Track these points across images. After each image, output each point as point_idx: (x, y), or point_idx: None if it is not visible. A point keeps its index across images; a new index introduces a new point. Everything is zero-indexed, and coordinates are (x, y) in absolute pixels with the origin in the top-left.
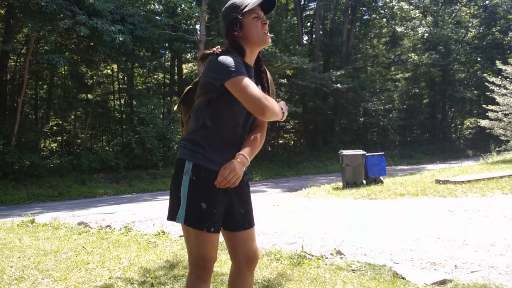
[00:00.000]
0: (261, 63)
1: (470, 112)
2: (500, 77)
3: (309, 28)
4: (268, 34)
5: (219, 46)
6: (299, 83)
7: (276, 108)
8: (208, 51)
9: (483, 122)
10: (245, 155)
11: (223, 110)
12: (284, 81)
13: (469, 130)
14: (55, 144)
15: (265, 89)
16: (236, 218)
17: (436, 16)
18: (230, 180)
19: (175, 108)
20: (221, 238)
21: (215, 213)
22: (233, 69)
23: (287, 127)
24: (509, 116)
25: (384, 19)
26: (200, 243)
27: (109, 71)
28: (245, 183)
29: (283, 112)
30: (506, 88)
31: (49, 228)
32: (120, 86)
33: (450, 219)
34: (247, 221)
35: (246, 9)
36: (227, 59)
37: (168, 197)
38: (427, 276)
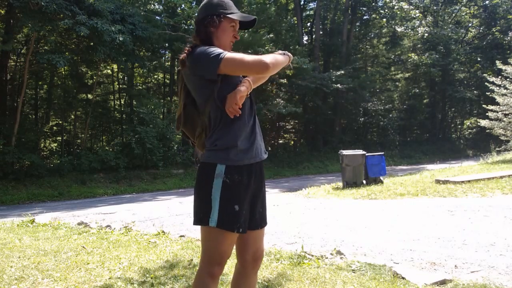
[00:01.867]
0: None
1: (470, 112)
2: (500, 77)
3: (309, 28)
4: (231, 48)
5: (187, 46)
6: (299, 83)
7: (277, 57)
8: (183, 55)
9: (483, 122)
10: (250, 80)
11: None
12: (284, 81)
13: (469, 130)
14: (55, 144)
15: None
16: (256, 216)
17: (436, 16)
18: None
19: (177, 130)
20: None
21: (243, 214)
22: (217, 52)
23: (287, 127)
24: (509, 116)
25: (384, 19)
26: (223, 242)
27: (109, 71)
28: (264, 183)
29: (286, 54)
30: (506, 88)
31: (49, 228)
32: (120, 86)
33: (450, 219)
34: (264, 220)
35: (231, 16)
36: (203, 49)
37: (169, 197)
38: (427, 276)
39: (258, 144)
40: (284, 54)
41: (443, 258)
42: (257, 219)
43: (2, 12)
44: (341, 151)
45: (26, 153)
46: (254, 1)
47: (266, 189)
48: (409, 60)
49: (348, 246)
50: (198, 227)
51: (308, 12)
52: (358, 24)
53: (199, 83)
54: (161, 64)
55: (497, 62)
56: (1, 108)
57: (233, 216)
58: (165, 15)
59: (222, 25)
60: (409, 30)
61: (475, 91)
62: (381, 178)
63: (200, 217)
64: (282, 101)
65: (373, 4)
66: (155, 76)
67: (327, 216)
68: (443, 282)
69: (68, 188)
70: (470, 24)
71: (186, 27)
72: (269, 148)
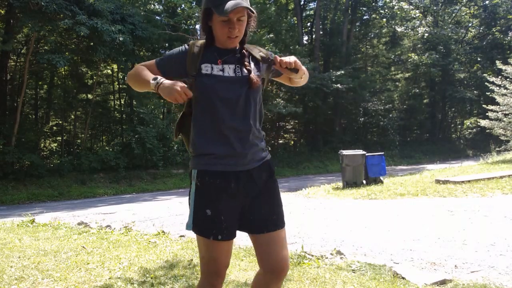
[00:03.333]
0: (243, 47)
1: (470, 112)
2: (500, 77)
3: (309, 28)
4: (235, 37)
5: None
6: None
7: (139, 71)
8: None
9: (483, 122)
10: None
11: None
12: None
13: (469, 130)
14: (55, 144)
15: (249, 72)
16: (257, 218)
17: (436, 16)
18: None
19: (175, 138)
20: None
21: (222, 220)
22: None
23: (287, 127)
24: (509, 116)
25: (384, 19)
26: (210, 250)
27: (109, 71)
28: (270, 179)
29: (156, 80)
30: (506, 88)
31: (49, 228)
32: (120, 86)
33: (450, 219)
34: (272, 222)
35: (216, 13)
36: (168, 52)
37: (169, 197)
38: (427, 276)
39: (245, 151)
40: (154, 79)
41: (443, 258)
42: (260, 221)
43: (2, 12)
44: (341, 151)
45: (26, 153)
46: (254, 1)
47: None
48: (409, 60)
49: (348, 246)
50: None
51: (308, 12)
52: (358, 24)
53: None
54: None
55: (497, 62)
56: (1, 108)
57: (205, 221)
58: (165, 15)
59: (213, 20)
60: (409, 30)
61: (475, 91)
62: (381, 178)
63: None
64: (282, 101)
65: (373, 4)
66: None
67: (327, 216)
68: (443, 282)
69: (68, 188)
70: (470, 24)
71: (186, 27)
72: (269, 148)
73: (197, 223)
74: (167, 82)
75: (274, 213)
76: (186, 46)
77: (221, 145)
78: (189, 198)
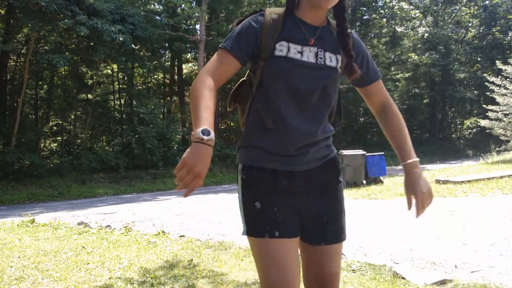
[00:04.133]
0: (345, 25)
1: (470, 112)
2: (500, 77)
3: None
4: None
5: None
6: None
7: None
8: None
9: (483, 122)
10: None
11: None
12: None
13: (469, 130)
14: (55, 144)
15: (351, 57)
16: (315, 226)
17: (436, 16)
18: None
19: (229, 108)
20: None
21: (275, 212)
22: (224, 41)
23: None
24: (509, 116)
25: (384, 19)
26: (268, 253)
27: (109, 71)
28: (335, 180)
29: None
30: (506, 88)
31: (49, 228)
32: (120, 86)
33: (450, 219)
34: (332, 233)
35: None
36: (237, 28)
37: (169, 197)
38: (427, 276)
39: (303, 151)
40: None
41: (443, 258)
42: (314, 230)
43: (2, 12)
44: (341, 151)
45: (26, 153)
46: (254, 1)
47: None
48: (409, 60)
49: (348, 246)
50: (198, 227)
51: None
52: (358, 24)
53: None
54: (161, 64)
55: (497, 62)
56: (1, 108)
57: (256, 217)
58: (165, 15)
59: None
60: (409, 30)
61: (475, 91)
62: (381, 178)
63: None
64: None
65: (373, 4)
66: (155, 76)
67: None
68: (443, 282)
69: (68, 188)
70: (470, 24)
71: (186, 27)
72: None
73: (248, 222)
74: (202, 149)
75: (336, 222)
76: (260, 17)
77: (277, 143)
78: (238, 199)
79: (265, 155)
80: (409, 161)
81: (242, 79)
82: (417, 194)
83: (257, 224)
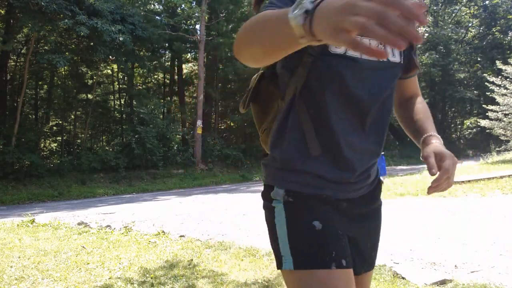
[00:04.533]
0: None
1: (470, 112)
2: (500, 77)
3: None
4: None
5: None
6: None
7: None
8: None
9: (483, 122)
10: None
11: None
12: None
13: (469, 130)
14: (55, 144)
15: (412, 48)
16: (359, 253)
17: (436, 16)
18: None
19: (243, 110)
20: None
21: (339, 235)
22: None
23: None
24: (509, 116)
25: None
26: None
27: (109, 71)
28: (379, 201)
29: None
30: (506, 88)
31: (49, 228)
32: (120, 86)
33: (450, 219)
34: (369, 260)
35: None
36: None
37: (169, 197)
38: (427, 276)
39: (365, 175)
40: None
41: (443, 258)
42: (360, 260)
43: (2, 12)
44: None
45: (26, 153)
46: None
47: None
48: None
49: None
50: (198, 227)
51: None
52: None
53: None
54: (161, 64)
55: (497, 62)
56: (1, 108)
57: (316, 241)
58: (165, 15)
59: None
60: None
61: (475, 91)
62: (381, 178)
63: (276, 261)
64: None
65: None
66: (155, 76)
67: None
68: (443, 282)
69: (68, 188)
70: (470, 24)
71: (186, 27)
72: None
73: (301, 250)
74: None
75: (374, 249)
76: None
77: (333, 168)
78: (272, 229)
79: (317, 180)
80: (434, 133)
81: (261, 71)
82: (445, 165)
83: (318, 251)
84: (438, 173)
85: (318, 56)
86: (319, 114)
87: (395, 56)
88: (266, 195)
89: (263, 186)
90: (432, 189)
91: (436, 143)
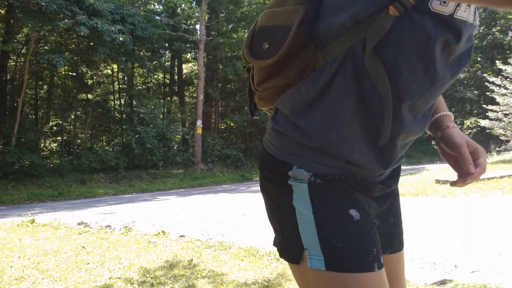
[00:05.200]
0: None
1: (470, 112)
2: (500, 77)
3: None
4: None
5: None
6: None
7: None
8: None
9: (483, 122)
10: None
11: None
12: None
13: (469, 130)
14: (55, 144)
15: None
16: (385, 231)
17: None
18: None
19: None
20: None
21: (374, 225)
22: None
23: None
24: (509, 116)
25: None
26: None
27: (109, 71)
28: (396, 179)
29: None
30: (506, 88)
31: (49, 228)
32: (120, 86)
33: (450, 219)
34: (399, 239)
35: None
36: None
37: (169, 197)
38: (427, 276)
39: (390, 151)
40: None
41: (443, 258)
42: (387, 238)
43: (2, 12)
44: None
45: (26, 153)
46: (254, 1)
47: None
48: None
49: None
50: (198, 227)
51: None
52: None
53: None
54: (161, 64)
55: (497, 62)
56: (1, 108)
57: (354, 236)
58: (165, 15)
59: None
60: None
61: (475, 91)
62: None
63: (285, 252)
64: None
65: None
66: (155, 76)
67: None
68: (443, 282)
69: (68, 188)
70: None
71: (186, 27)
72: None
73: (336, 246)
74: None
75: (399, 226)
76: None
77: (376, 158)
78: (286, 212)
79: (351, 166)
80: (448, 112)
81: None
82: (481, 163)
83: (358, 249)
84: (474, 169)
85: (409, 12)
86: (392, 86)
87: (476, 18)
88: (276, 168)
89: (266, 153)
90: (461, 184)
91: (458, 131)
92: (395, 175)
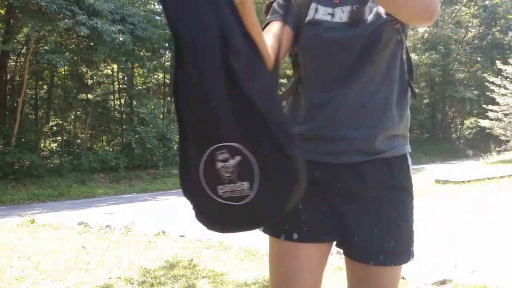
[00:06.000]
0: None
1: (470, 112)
2: (500, 77)
3: None
4: None
5: None
6: None
7: None
8: None
9: (483, 122)
10: None
11: None
12: (284, 81)
13: (469, 130)
14: (55, 144)
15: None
16: (361, 238)
17: None
18: None
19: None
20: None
21: (299, 209)
22: None
23: None
24: (509, 116)
25: None
26: (281, 259)
27: (109, 71)
28: (393, 186)
29: None
30: (506, 88)
31: (49, 228)
32: (120, 86)
33: (450, 219)
34: (385, 251)
35: None
36: None
37: (169, 197)
38: (427, 276)
39: (327, 135)
40: None
41: (443, 258)
42: (366, 247)
43: (2, 12)
44: None
45: (26, 153)
46: (254, 1)
47: None
48: None
49: None
50: (198, 227)
51: None
52: None
53: None
54: (161, 64)
55: (497, 62)
56: (1, 108)
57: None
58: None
59: None
60: (409, 30)
61: (475, 91)
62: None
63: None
64: (284, 103)
65: None
66: (155, 76)
67: None
68: (443, 282)
69: (68, 188)
70: (470, 24)
71: None
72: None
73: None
74: None
75: (391, 238)
76: None
77: (307, 122)
78: None
79: (304, 143)
80: None
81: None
82: None
83: (275, 223)
84: None
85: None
86: (305, 72)
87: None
88: None
89: None
90: None
91: None
92: (377, 173)
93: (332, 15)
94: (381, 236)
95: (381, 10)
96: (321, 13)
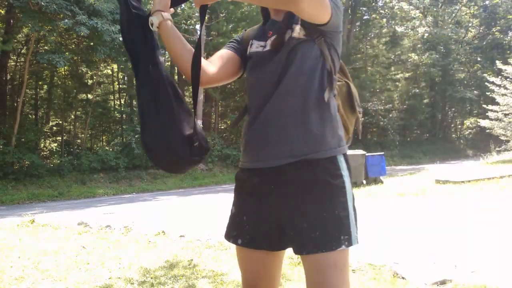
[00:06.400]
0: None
1: (470, 112)
2: (500, 77)
3: None
4: None
5: None
6: None
7: None
8: None
9: (483, 122)
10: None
11: None
12: None
13: (469, 130)
14: (55, 144)
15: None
16: (296, 232)
17: (436, 16)
18: None
19: None
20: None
21: (243, 221)
22: None
23: None
24: (509, 116)
25: (384, 19)
26: (238, 259)
27: (109, 71)
28: (316, 183)
29: None
30: (506, 88)
31: (49, 228)
32: (120, 86)
33: (450, 219)
34: (312, 240)
35: None
36: None
37: (169, 197)
38: (427, 276)
39: (258, 143)
40: None
41: (443, 258)
42: (300, 239)
43: (2, 12)
44: None
45: (26, 153)
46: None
47: None
48: (409, 60)
49: None
50: (198, 227)
51: None
52: (358, 24)
53: None
54: None
55: (497, 62)
56: (1, 108)
57: (230, 221)
58: None
59: None
60: (409, 30)
61: (475, 91)
62: (381, 178)
63: None
64: None
65: (373, 4)
66: None
67: None
68: (443, 282)
69: (68, 188)
70: (470, 24)
71: (186, 27)
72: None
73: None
74: None
75: (317, 228)
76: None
77: (245, 135)
78: None
79: (242, 154)
80: None
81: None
82: None
83: (229, 228)
84: None
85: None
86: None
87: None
88: None
89: None
90: None
91: None
92: (301, 173)
93: (264, 46)
94: (309, 228)
95: (296, 34)
96: (255, 47)
